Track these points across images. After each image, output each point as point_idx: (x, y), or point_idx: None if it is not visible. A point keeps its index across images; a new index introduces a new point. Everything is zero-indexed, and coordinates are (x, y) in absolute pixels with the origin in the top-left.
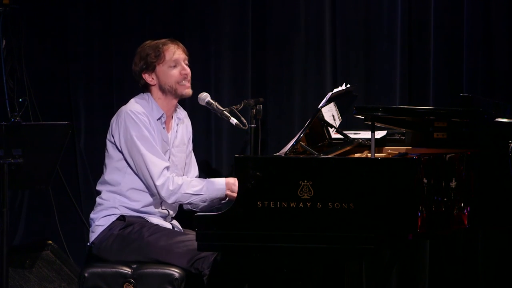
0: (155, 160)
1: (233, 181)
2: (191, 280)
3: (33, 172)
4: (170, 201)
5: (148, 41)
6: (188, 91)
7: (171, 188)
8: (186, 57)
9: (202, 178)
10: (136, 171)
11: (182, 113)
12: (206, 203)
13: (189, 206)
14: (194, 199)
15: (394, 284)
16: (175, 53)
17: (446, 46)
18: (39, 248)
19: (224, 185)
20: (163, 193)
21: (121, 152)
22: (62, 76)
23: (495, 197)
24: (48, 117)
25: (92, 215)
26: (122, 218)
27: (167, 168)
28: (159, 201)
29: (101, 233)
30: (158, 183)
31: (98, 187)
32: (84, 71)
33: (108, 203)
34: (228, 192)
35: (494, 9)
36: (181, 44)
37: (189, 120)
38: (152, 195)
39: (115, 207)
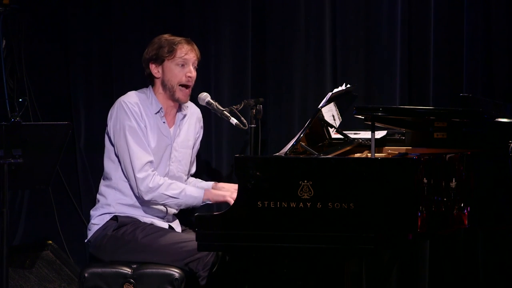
0: (139, 152)
1: (216, 192)
2: (191, 280)
3: (33, 172)
4: (146, 197)
5: (167, 34)
6: (185, 98)
7: (150, 185)
8: (197, 61)
9: (183, 184)
10: (119, 161)
11: (189, 109)
12: (182, 208)
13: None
14: (170, 202)
15: (394, 284)
16: (187, 54)
17: (446, 46)
18: (39, 248)
19: (202, 195)
20: (142, 188)
21: (112, 142)
22: (62, 76)
23: (495, 197)
24: (48, 117)
25: (91, 212)
26: (115, 218)
27: (151, 163)
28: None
29: (96, 232)
30: (139, 175)
31: (100, 182)
32: (84, 71)
33: (104, 200)
34: (211, 200)
35: (494, 9)
36: (196, 47)
37: (201, 118)
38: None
39: (110, 205)
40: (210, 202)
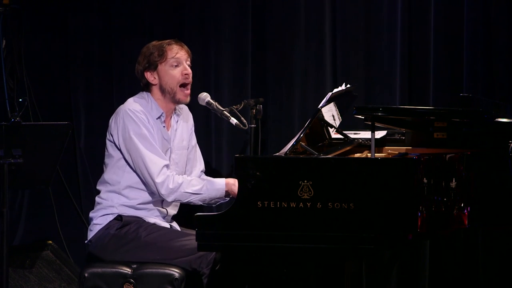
0: (154, 158)
1: (233, 182)
2: (191, 280)
3: (33, 172)
4: (169, 199)
5: (153, 42)
6: (186, 99)
7: (171, 186)
8: (189, 58)
9: (202, 178)
10: (135, 170)
11: (180, 110)
12: (205, 203)
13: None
14: (193, 198)
15: (394, 284)
16: (178, 53)
17: (446, 46)
18: (39, 248)
19: (224, 185)
20: (163, 191)
21: (120, 151)
22: (62, 76)
23: (495, 197)
24: (48, 117)
25: (91, 214)
26: (119, 218)
27: (167, 166)
28: (158, 199)
29: (98, 231)
30: (158, 180)
31: (98, 187)
32: (84, 71)
33: (106, 202)
34: (230, 191)
35: (494, 9)
36: (185, 46)
37: (190, 114)
38: (151, 193)
39: (114, 206)
40: (226, 200)
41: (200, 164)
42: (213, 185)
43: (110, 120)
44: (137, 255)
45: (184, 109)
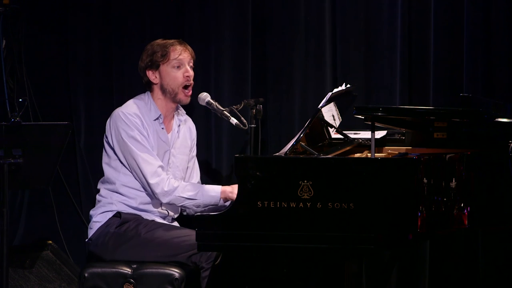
0: (147, 159)
1: (231, 189)
2: (191, 280)
3: (33, 172)
4: (164, 200)
5: (159, 39)
6: (187, 100)
7: (165, 189)
8: (192, 60)
9: (198, 184)
10: (130, 171)
11: (183, 116)
12: (200, 208)
13: (186, 211)
14: (187, 203)
15: (394, 284)
16: (181, 55)
17: (446, 46)
18: (39, 248)
19: (219, 193)
20: (158, 191)
21: (115, 152)
22: (62, 76)
23: (495, 197)
24: (48, 117)
25: (91, 212)
26: (118, 215)
27: (161, 167)
28: (158, 201)
29: (98, 229)
30: (151, 181)
31: (98, 185)
32: (83, 71)
33: (105, 199)
34: (226, 198)
35: (494, 9)
36: (189, 47)
37: (194, 125)
38: (149, 194)
39: (113, 203)
40: (224, 205)
41: (197, 176)
42: (208, 191)
43: (107, 122)
44: (137, 252)
45: (188, 119)
